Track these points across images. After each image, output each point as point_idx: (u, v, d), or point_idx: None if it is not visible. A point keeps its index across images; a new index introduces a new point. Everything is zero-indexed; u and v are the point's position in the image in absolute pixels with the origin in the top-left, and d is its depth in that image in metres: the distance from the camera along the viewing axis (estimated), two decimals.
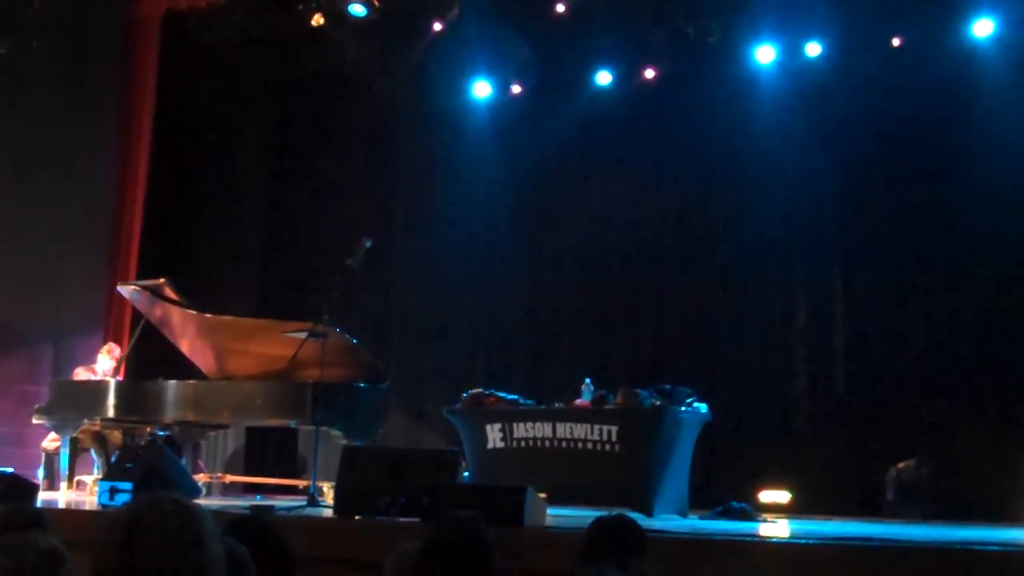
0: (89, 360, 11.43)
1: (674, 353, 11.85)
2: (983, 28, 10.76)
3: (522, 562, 5.83)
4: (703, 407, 9.16)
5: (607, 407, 9.01)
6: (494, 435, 9.35)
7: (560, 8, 12.11)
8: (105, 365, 11.28)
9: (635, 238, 12.27)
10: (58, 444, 10.76)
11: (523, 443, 9.22)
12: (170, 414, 10.31)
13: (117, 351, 11.49)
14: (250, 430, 12.55)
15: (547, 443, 9.11)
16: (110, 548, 2.33)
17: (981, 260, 10.64)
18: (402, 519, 7.12)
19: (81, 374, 11.21)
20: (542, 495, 7.54)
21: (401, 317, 13.25)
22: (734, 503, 9.08)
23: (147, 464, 8.88)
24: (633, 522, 4.76)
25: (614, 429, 8.81)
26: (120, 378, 11.08)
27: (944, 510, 9.61)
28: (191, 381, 10.48)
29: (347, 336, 9.96)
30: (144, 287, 10.79)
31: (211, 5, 12.86)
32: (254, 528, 3.36)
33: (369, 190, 13.45)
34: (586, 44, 12.21)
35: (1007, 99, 10.52)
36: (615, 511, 4.97)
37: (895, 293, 11.02)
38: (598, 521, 4.73)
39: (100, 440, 10.91)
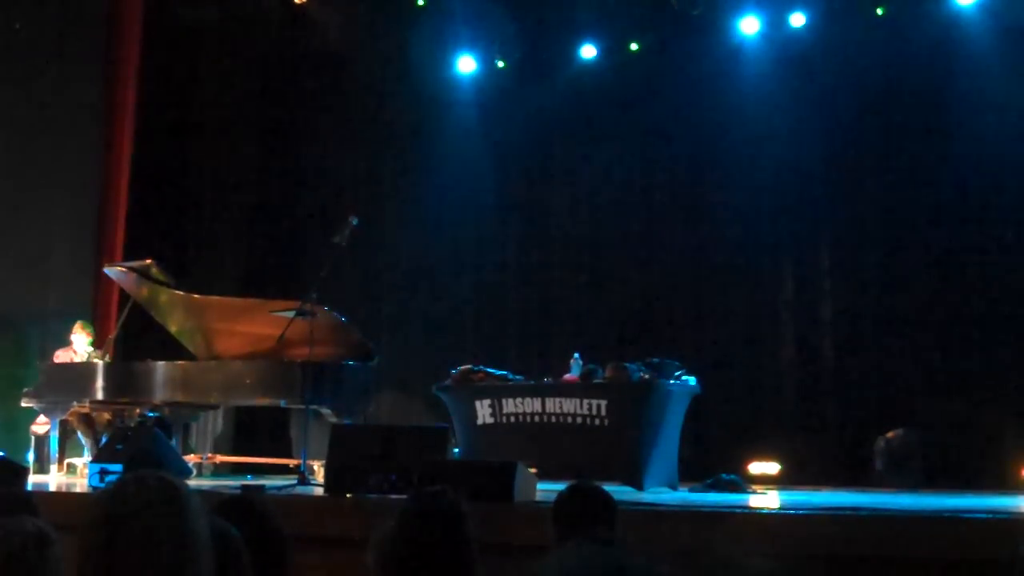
0: (67, 343, 11.38)
1: (662, 326, 11.85)
2: None
3: (512, 537, 5.84)
4: (692, 380, 9.17)
5: (596, 381, 9.02)
6: (483, 411, 9.36)
7: None
8: (82, 343, 11.22)
9: (622, 211, 12.25)
10: (47, 427, 10.73)
11: (512, 419, 9.23)
12: (159, 395, 10.30)
13: (89, 326, 11.43)
14: (240, 410, 12.52)
15: (536, 418, 9.12)
16: (95, 526, 2.33)
17: (969, 229, 10.66)
18: (393, 496, 7.12)
19: (61, 356, 11.16)
20: (532, 470, 7.56)
21: (389, 294, 13.23)
22: (724, 475, 9.11)
23: (137, 445, 8.88)
24: (601, 492, 4.72)
25: (603, 403, 8.82)
26: (108, 358, 11.04)
27: (933, 479, 9.65)
28: (180, 362, 10.46)
29: (335, 314, 9.94)
30: (131, 268, 10.76)
31: None
32: (245, 508, 3.35)
33: (355, 168, 13.40)
34: (570, 17, 12.18)
35: (991, 66, 10.53)
36: (574, 482, 4.90)
37: (882, 263, 11.04)
38: (561, 494, 4.69)
39: (87, 422, 10.89)
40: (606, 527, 4.46)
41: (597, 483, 4.93)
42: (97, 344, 11.29)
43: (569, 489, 4.71)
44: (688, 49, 11.86)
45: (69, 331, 11.35)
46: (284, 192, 13.75)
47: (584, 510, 4.55)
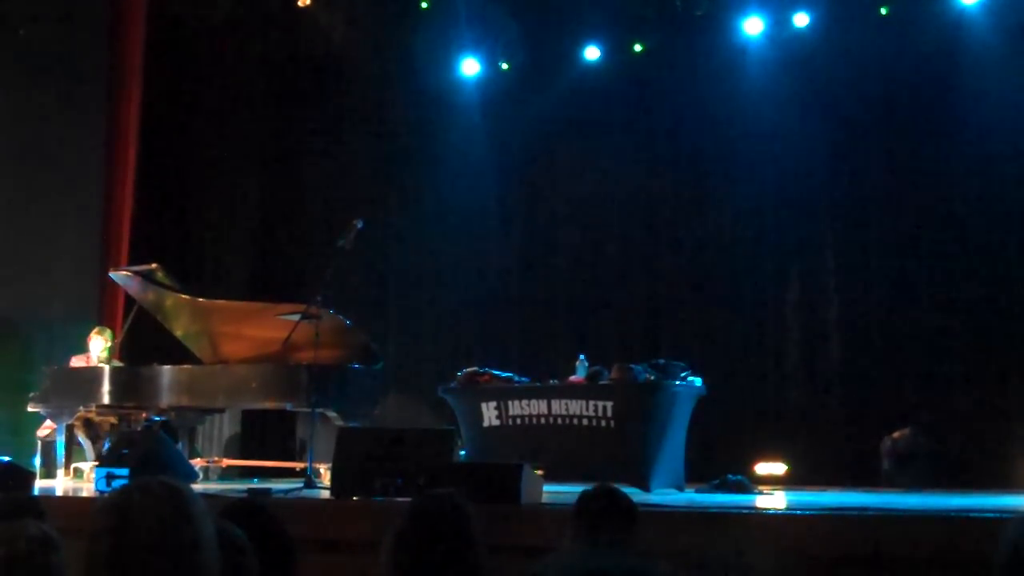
0: (83, 348, 11.39)
1: (668, 327, 11.85)
2: None
3: (519, 539, 5.84)
4: (698, 381, 9.17)
5: (602, 383, 9.02)
6: (489, 413, 9.36)
7: None
8: (98, 347, 11.22)
9: (627, 213, 12.25)
10: (54, 431, 10.74)
11: (519, 420, 9.22)
12: (165, 399, 10.31)
13: (107, 331, 11.43)
14: (246, 414, 12.54)
15: (542, 420, 9.12)
16: (101, 532, 2.33)
17: (974, 229, 10.65)
18: (399, 499, 7.12)
19: (76, 363, 11.17)
20: (538, 472, 7.56)
21: (394, 296, 13.23)
22: (731, 476, 9.10)
23: (143, 450, 8.87)
24: (620, 494, 4.71)
25: (609, 405, 8.82)
26: (115, 363, 11.05)
27: (940, 478, 9.63)
28: (185, 366, 10.46)
29: (341, 317, 9.94)
30: (136, 273, 10.77)
31: None
32: (251, 511, 3.36)
33: (360, 170, 13.40)
34: (574, 19, 12.17)
35: (995, 66, 10.50)
36: (599, 484, 4.89)
37: (888, 263, 11.03)
38: (583, 495, 4.69)
39: (89, 426, 10.90)
40: (623, 531, 4.46)
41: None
42: (114, 349, 11.29)
43: (593, 490, 4.70)
44: (692, 50, 11.86)
45: (75, 336, 11.37)
46: (289, 196, 13.76)
47: (605, 512, 4.55)
